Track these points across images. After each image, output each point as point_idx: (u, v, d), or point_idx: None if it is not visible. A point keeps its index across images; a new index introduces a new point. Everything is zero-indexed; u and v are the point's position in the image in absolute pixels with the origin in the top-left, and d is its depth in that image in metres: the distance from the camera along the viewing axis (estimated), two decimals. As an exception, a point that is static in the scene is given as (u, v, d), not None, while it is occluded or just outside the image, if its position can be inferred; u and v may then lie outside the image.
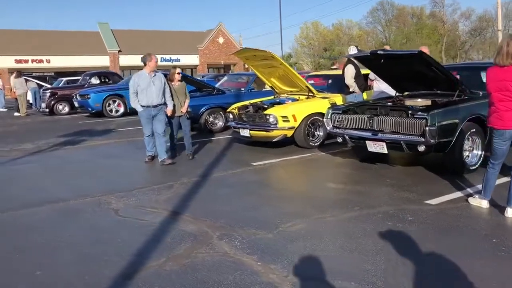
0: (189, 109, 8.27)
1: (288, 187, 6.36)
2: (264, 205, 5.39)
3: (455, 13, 74.19)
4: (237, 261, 3.78)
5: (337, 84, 9.81)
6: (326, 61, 69.33)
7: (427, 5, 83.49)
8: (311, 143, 8.79)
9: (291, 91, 9.83)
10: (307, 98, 9.30)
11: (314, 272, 3.57)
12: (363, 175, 6.68)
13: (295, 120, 8.51)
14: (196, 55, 53.16)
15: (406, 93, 7.61)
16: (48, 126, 14.68)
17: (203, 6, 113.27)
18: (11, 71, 41.11)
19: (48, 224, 5.01)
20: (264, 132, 8.68)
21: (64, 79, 23.77)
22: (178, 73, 8.24)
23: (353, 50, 8.63)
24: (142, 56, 7.71)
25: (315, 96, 9.29)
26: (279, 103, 9.26)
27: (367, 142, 6.63)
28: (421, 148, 6.00)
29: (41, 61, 46.02)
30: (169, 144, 8.44)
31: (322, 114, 8.80)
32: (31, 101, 21.70)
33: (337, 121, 7.09)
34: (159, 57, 41.25)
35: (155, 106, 7.69)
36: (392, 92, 7.92)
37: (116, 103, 16.29)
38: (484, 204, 4.85)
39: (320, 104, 8.95)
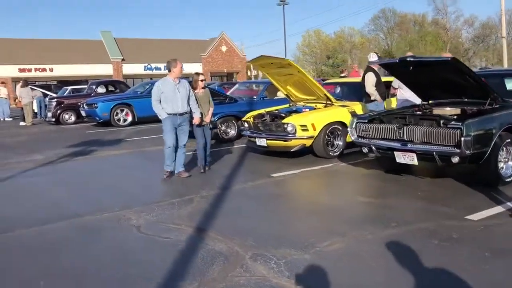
0: (212, 118, 7.98)
1: (315, 200, 6.05)
2: (293, 221, 5.10)
3: (458, 20, 74.13)
4: (277, 286, 3.49)
5: (353, 92, 9.56)
6: (329, 69, 69.21)
7: (430, 13, 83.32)
8: (330, 153, 8.50)
9: (307, 99, 9.56)
10: (325, 106, 9.03)
11: (365, 298, 3.28)
12: (391, 187, 6.39)
13: (314, 129, 8.24)
14: (199, 63, 53.00)
15: (431, 101, 7.33)
16: (55, 136, 14.42)
17: (205, 15, 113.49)
18: (14, 80, 41.12)
19: (70, 243, 4.72)
20: (282, 142, 8.40)
21: (69, 88, 23.56)
22: (202, 80, 7.81)
23: (373, 57, 8.37)
24: (167, 61, 7.32)
25: (333, 105, 9.02)
26: (296, 111, 8.99)
27: (395, 153, 6.34)
28: (455, 160, 5.70)
29: (44, 69, 45.93)
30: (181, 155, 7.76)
31: (341, 123, 8.59)
32: (36, 110, 21.44)
33: (363, 130, 6.81)
34: (162, 65, 41.38)
35: (181, 115, 7.29)
36: (416, 100, 7.65)
37: (124, 112, 16.04)
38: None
39: (339, 112, 8.68)
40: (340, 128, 8.61)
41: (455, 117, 6.19)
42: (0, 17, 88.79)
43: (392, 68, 7.12)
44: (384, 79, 8.63)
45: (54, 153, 10.51)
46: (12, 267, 4.16)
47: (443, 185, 6.30)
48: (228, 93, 13.01)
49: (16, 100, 26.84)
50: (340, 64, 68.20)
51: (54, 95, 22.91)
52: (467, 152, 5.55)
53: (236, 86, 13.95)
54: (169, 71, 7.25)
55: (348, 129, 7.09)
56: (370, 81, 8.20)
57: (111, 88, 19.52)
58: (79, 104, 17.59)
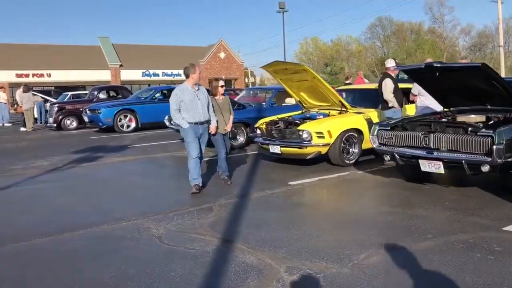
0: (233, 128, 7.66)
1: (339, 210, 5.83)
2: (322, 231, 4.88)
3: (455, 29, 74.52)
4: (321, 302, 3.27)
5: (365, 99, 9.38)
6: (327, 76, 69.21)
7: (427, 21, 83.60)
8: (346, 161, 8.31)
9: (320, 105, 9.37)
10: (339, 113, 8.84)
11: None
12: (417, 196, 6.18)
13: (330, 137, 8.04)
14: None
15: (452, 108, 7.15)
16: (58, 142, 14.16)
17: (203, 22, 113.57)
18: (12, 85, 40.78)
19: (90, 254, 4.49)
20: (297, 149, 8.20)
21: (70, 93, 23.35)
22: (222, 86, 7.41)
23: (391, 63, 8.19)
24: (185, 67, 6.76)
25: (347, 111, 8.83)
26: (310, 118, 8.79)
27: (420, 161, 6.14)
28: (485, 169, 5.51)
29: (41, 75, 45.66)
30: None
31: (357, 130, 8.41)
32: (36, 116, 21.15)
33: (385, 138, 6.61)
34: (160, 72, 41.34)
35: (202, 123, 6.77)
36: (437, 107, 7.48)
37: (128, 118, 15.79)
38: None
39: (355, 119, 8.50)
40: (356, 136, 8.43)
41: (481, 124, 6.02)
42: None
43: (414, 74, 6.94)
44: (401, 86, 8.44)
45: (59, 160, 10.27)
46: (31, 280, 3.93)
47: (470, 194, 6.10)
48: (235, 99, 12.79)
49: (16, 106, 26.66)
50: (338, 71, 68.34)
51: (54, 100, 22.68)
52: (499, 160, 5.36)
53: (243, 92, 13.76)
54: (187, 77, 6.70)
55: (370, 136, 6.88)
56: (388, 87, 8.03)
57: (112, 93, 19.29)
58: (81, 109, 17.36)
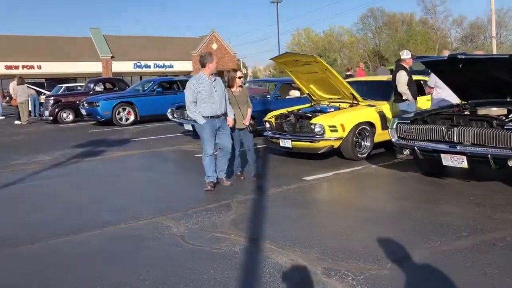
0: (251, 121, 7.17)
1: (363, 206, 5.64)
2: (351, 229, 4.70)
3: (447, 20, 74.59)
4: (369, 307, 3.10)
5: (376, 91, 9.19)
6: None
7: (418, 12, 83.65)
8: (358, 155, 8.14)
9: (330, 98, 9.18)
10: (350, 106, 8.65)
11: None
12: (437, 191, 6.04)
13: (343, 130, 7.86)
14: (190, 61, 52.39)
15: (470, 101, 7.00)
16: (56, 136, 13.86)
17: (195, 12, 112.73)
18: (1, 77, 40.16)
19: (110, 255, 4.28)
20: (309, 143, 8.01)
21: (64, 85, 22.96)
22: (240, 77, 6.90)
23: (407, 55, 8.00)
24: (201, 55, 6.29)
25: (358, 104, 8.65)
26: (321, 111, 8.60)
27: (442, 155, 5.98)
28: (512, 163, 5.37)
29: (32, 67, 44.87)
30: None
31: (369, 123, 8.24)
32: (29, 109, 20.75)
33: (405, 131, 6.44)
34: (152, 63, 40.79)
35: (219, 117, 6.33)
36: (453, 100, 7.32)
37: (126, 111, 15.50)
38: None
39: (368, 112, 8.33)
40: (368, 129, 8.26)
41: (504, 118, 5.87)
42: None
43: (434, 66, 6.77)
44: (415, 78, 8.27)
45: (60, 154, 10.01)
46: (53, 285, 3.72)
47: (494, 189, 5.96)
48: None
49: (7, 98, 26.19)
50: (331, 63, 68.14)
51: (48, 93, 22.28)
52: (527, 155, 5.21)
53: (246, 85, 13.47)
54: (203, 66, 6.22)
55: (389, 130, 6.72)
56: (402, 79, 7.84)
57: (109, 86, 18.94)
58: (77, 102, 17.04)
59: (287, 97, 12.08)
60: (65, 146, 11.11)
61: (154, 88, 16.06)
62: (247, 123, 6.89)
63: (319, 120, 7.91)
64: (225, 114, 6.46)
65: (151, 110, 15.61)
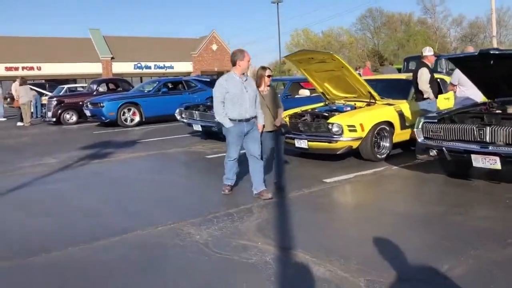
0: (283, 122, 6.62)
1: (394, 211, 5.33)
2: (385, 236, 4.42)
3: (446, 19, 74.37)
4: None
5: (393, 90, 8.92)
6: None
7: (417, 12, 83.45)
8: (378, 155, 7.87)
9: (346, 97, 8.90)
10: (367, 105, 8.38)
11: None
12: (468, 194, 5.77)
13: (362, 130, 7.58)
14: (190, 62, 52.15)
15: (496, 99, 6.73)
16: (61, 137, 13.57)
17: (195, 13, 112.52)
18: (1, 78, 39.82)
19: (133, 265, 3.99)
20: (326, 144, 7.72)
21: (66, 86, 22.68)
22: (269, 76, 6.27)
23: (429, 51, 7.72)
24: (232, 52, 5.82)
25: (375, 103, 8.37)
26: (337, 110, 8.32)
27: (473, 156, 5.71)
28: (550, 164, 5.10)
29: (32, 68, 44.54)
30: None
31: (388, 123, 7.98)
32: (31, 110, 20.43)
33: (431, 131, 6.17)
34: (152, 64, 40.47)
35: (248, 120, 5.78)
36: (478, 98, 7.06)
37: (131, 111, 15.19)
38: None
39: (386, 111, 8.07)
40: (387, 129, 7.99)
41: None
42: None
43: (461, 63, 6.49)
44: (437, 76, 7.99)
45: (67, 156, 9.71)
46: (76, 299, 3.44)
47: (529, 191, 5.69)
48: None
49: (8, 100, 25.87)
50: None
51: (50, 93, 22.02)
52: None
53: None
54: (234, 64, 5.69)
55: (414, 129, 6.44)
56: (424, 77, 7.56)
57: (112, 86, 18.64)
58: (80, 103, 16.74)
59: (297, 96, 11.83)
60: (71, 148, 10.82)
61: (160, 88, 15.77)
62: (278, 124, 6.24)
63: (337, 120, 7.63)
64: (255, 118, 5.91)
65: (157, 111, 15.32)
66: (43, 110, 20.40)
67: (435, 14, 73.93)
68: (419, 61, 7.87)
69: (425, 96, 7.63)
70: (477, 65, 6.14)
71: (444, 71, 15.46)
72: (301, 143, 8.06)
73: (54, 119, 16.72)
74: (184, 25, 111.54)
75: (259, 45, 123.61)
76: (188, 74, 51.21)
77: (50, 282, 3.72)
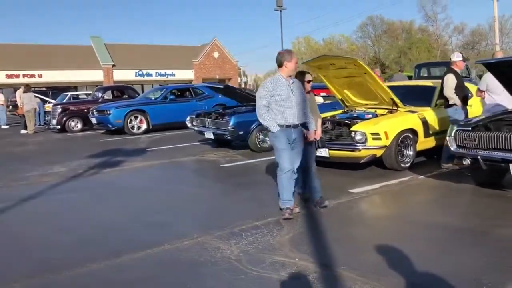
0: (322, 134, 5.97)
1: (432, 223, 5.00)
2: (434, 252, 4.13)
3: (448, 27, 74.42)
4: None
5: (416, 97, 8.64)
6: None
7: (418, 20, 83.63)
8: (402, 164, 7.58)
9: (366, 104, 8.63)
10: (389, 112, 8.10)
11: None
12: (508, 205, 5.48)
13: (387, 138, 7.31)
14: (191, 69, 52.00)
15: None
16: (67, 145, 13.27)
17: (197, 21, 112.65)
18: (1, 86, 39.52)
19: (167, 285, 3.68)
20: (349, 152, 7.43)
21: (69, 93, 22.43)
22: (309, 81, 5.73)
23: (457, 57, 7.46)
24: (278, 53, 5.26)
25: (397, 110, 8.10)
26: (358, 117, 8.03)
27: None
28: None
29: (32, 75, 44.30)
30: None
31: (412, 131, 7.71)
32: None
33: (465, 139, 5.89)
34: (153, 71, 40.27)
35: (296, 127, 5.21)
36: (508, 104, 6.79)
37: (138, 119, 14.91)
38: None
39: (410, 119, 7.80)
40: (411, 137, 7.72)
41: None
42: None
43: (495, 68, 6.23)
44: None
45: (77, 165, 9.41)
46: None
47: None
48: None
49: (10, 107, 25.56)
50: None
51: (53, 101, 21.74)
52: None
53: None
54: (280, 66, 5.18)
55: (447, 137, 6.16)
56: (449, 83, 7.30)
57: (117, 94, 18.35)
58: (85, 110, 16.48)
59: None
60: (79, 156, 10.52)
61: (167, 95, 15.49)
62: (318, 137, 5.69)
63: (361, 127, 7.35)
64: (303, 125, 5.36)
65: (164, 119, 15.06)
66: (46, 118, 20.15)
67: (437, 22, 74.02)
68: (448, 67, 7.62)
69: (450, 102, 7.37)
70: (509, 71, 5.87)
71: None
72: (322, 152, 7.73)
73: (59, 127, 16.41)
74: (186, 32, 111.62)
75: (260, 52, 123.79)
76: (190, 81, 51.09)
77: (77, 304, 3.42)
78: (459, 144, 5.98)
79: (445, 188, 6.49)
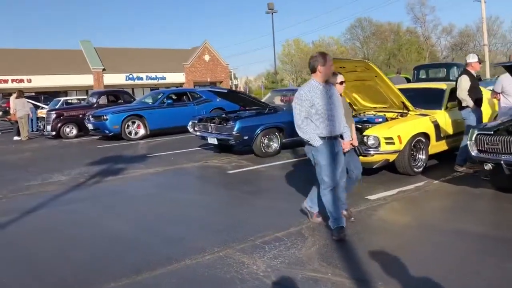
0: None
1: (462, 231, 4.78)
2: (475, 265, 3.94)
3: (436, 28, 74.82)
4: None
5: (425, 99, 8.48)
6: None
7: (406, 22, 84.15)
8: (415, 169, 7.42)
9: (375, 107, 8.46)
10: (400, 115, 7.93)
11: None
12: (534, 211, 5.32)
13: (400, 142, 7.14)
14: (182, 73, 51.67)
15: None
16: (64, 152, 12.93)
17: (186, 24, 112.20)
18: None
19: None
20: (361, 157, 7.21)
21: (62, 99, 22.07)
22: (341, 83, 5.24)
23: (472, 58, 7.31)
24: (310, 56, 4.75)
25: (408, 114, 7.93)
26: (368, 121, 7.85)
27: (537, 170, 5.27)
28: None
29: (21, 80, 43.62)
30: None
31: (425, 134, 7.55)
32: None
33: (487, 144, 5.73)
34: (144, 75, 39.95)
35: (336, 138, 4.76)
36: (524, 107, 6.66)
37: (136, 124, 14.62)
38: None
39: (422, 122, 7.64)
40: (423, 140, 7.56)
41: None
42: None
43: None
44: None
45: (77, 173, 9.13)
46: None
47: None
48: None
49: (1, 113, 25.13)
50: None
51: (45, 106, 21.38)
52: None
53: (269, 94, 12.75)
54: (313, 71, 4.64)
55: (467, 142, 5.99)
56: (463, 85, 7.16)
57: (112, 98, 18.03)
58: (80, 116, 16.18)
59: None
60: (78, 163, 10.23)
61: (164, 100, 15.22)
62: (356, 144, 5.24)
63: (373, 132, 7.17)
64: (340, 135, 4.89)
65: (162, 123, 14.81)
66: (39, 124, 19.78)
67: (425, 23, 74.36)
68: (463, 68, 7.47)
69: (463, 104, 7.23)
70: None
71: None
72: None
73: (54, 133, 16.08)
74: (176, 36, 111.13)
75: (251, 55, 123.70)
76: (181, 85, 50.79)
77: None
78: (480, 148, 5.82)
79: (464, 194, 6.32)
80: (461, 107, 7.29)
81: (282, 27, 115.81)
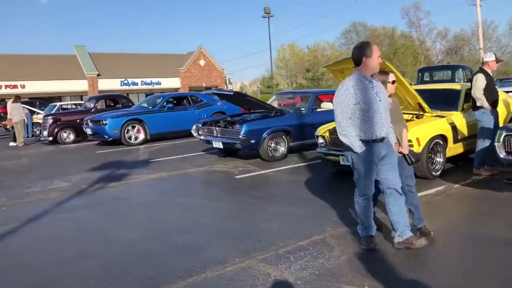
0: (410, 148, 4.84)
1: (498, 239, 4.56)
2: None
3: (431, 33, 74.99)
4: None
5: (441, 101, 8.19)
6: (309, 82, 68.66)
7: (401, 26, 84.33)
8: (433, 172, 7.13)
9: (388, 109, 8.15)
10: (416, 117, 7.65)
11: None
12: None
13: (418, 145, 6.85)
14: (177, 78, 51.39)
15: None
16: (62, 158, 12.56)
17: (181, 29, 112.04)
18: (-16, 97, 38.39)
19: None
20: (377, 161, 6.94)
21: (58, 104, 21.68)
22: (393, 82, 4.54)
23: (490, 57, 7.06)
24: (354, 46, 4.20)
25: (424, 115, 7.64)
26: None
27: None
28: None
29: (15, 86, 43.16)
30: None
31: (442, 136, 7.28)
32: (22, 129, 19.31)
33: (516, 145, 5.45)
34: (139, 80, 39.64)
35: (383, 139, 4.14)
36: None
37: (136, 129, 14.26)
38: None
39: (439, 124, 7.36)
40: (441, 143, 7.28)
41: None
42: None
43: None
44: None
45: (79, 179, 8.77)
46: None
47: None
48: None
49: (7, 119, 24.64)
50: (320, 77, 67.80)
51: (41, 111, 20.99)
52: None
53: (274, 97, 12.44)
54: (358, 63, 4.09)
55: (495, 143, 5.71)
56: (478, 84, 6.89)
57: (110, 103, 17.65)
58: (77, 121, 15.81)
59: (318, 109, 11.09)
60: (78, 169, 9.87)
61: (164, 104, 14.89)
62: (406, 151, 4.52)
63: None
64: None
65: (162, 128, 14.48)
66: (34, 129, 19.38)
67: (420, 28, 74.51)
68: (479, 67, 7.21)
69: (477, 104, 6.97)
70: None
71: (461, 81, 14.93)
72: (347, 161, 7.26)
73: (51, 138, 15.67)
74: (171, 41, 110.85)
75: (246, 60, 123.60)
76: (176, 90, 50.43)
77: None
78: (509, 150, 5.54)
79: (488, 198, 6.02)
80: (475, 107, 7.02)
81: (278, 32, 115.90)
